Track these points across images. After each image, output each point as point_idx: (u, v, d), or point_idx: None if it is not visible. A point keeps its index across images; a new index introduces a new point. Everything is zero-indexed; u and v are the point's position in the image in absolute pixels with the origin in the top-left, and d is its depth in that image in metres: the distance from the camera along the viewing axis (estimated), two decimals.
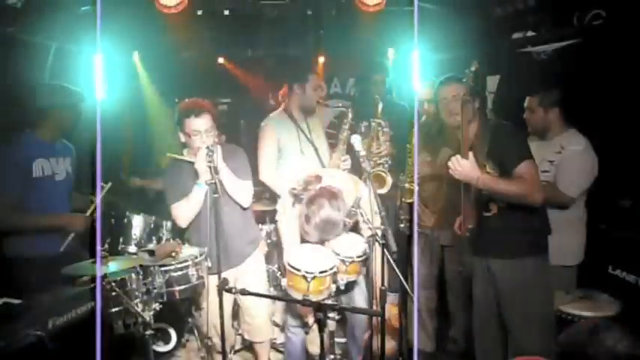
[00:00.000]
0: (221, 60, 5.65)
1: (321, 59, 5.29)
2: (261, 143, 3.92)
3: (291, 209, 3.30)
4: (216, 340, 3.39)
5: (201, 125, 3.21)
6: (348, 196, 3.09)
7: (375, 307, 2.89)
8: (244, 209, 3.46)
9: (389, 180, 3.96)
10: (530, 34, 4.11)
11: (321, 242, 3.13)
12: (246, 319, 3.64)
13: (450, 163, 2.82)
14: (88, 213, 3.44)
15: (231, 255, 3.40)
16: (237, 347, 4.08)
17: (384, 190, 3.94)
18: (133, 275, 2.97)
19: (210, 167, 3.03)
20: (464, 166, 2.76)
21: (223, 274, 2.98)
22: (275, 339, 4.06)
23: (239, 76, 5.74)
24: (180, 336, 4.23)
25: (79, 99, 3.45)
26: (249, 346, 3.97)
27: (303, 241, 3.20)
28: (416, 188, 3.41)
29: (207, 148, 3.05)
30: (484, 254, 3.06)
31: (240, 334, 4.01)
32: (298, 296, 2.94)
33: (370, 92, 4.49)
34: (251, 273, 3.52)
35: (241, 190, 3.38)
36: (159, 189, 4.39)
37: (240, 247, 3.48)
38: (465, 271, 3.25)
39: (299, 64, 4.98)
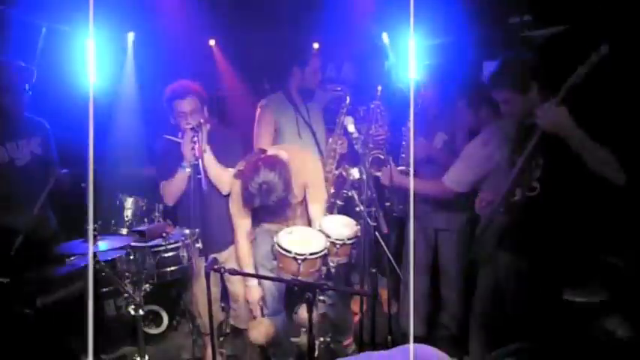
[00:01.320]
0: (212, 42, 5.59)
1: (316, 44, 5.24)
2: (258, 124, 3.89)
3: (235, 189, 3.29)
4: (204, 322, 3.40)
5: (185, 107, 3.23)
6: (303, 169, 3.15)
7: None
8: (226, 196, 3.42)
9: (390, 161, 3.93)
10: (527, 18, 4.08)
11: (275, 215, 3.17)
12: (232, 305, 3.65)
13: (537, 114, 2.53)
14: (35, 210, 3.09)
15: (215, 240, 3.41)
16: (227, 330, 4.08)
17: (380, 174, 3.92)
18: (124, 256, 2.97)
19: (193, 149, 3.03)
20: (555, 112, 2.46)
21: (211, 257, 2.98)
22: None
23: (233, 59, 5.69)
24: (171, 319, 4.22)
25: (28, 75, 3.24)
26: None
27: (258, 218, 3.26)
28: (411, 171, 3.38)
29: (192, 129, 3.06)
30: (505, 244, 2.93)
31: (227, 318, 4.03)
32: (288, 278, 2.94)
33: (368, 76, 4.46)
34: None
35: (222, 176, 3.35)
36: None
37: (224, 233, 3.46)
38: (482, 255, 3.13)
39: (294, 46, 4.93)
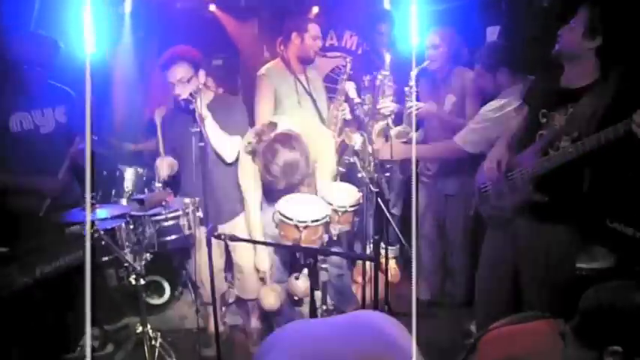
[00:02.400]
0: (212, 7, 5.47)
1: (315, 9, 5.14)
2: (258, 94, 3.82)
3: (247, 163, 3.22)
4: (207, 292, 3.39)
5: (173, 76, 3.14)
6: (313, 143, 3.05)
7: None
8: (229, 165, 3.36)
9: (393, 133, 3.87)
10: None
11: (292, 188, 3.07)
12: (237, 275, 3.63)
13: (637, 117, 2.23)
14: (60, 175, 3.23)
15: (220, 211, 3.38)
16: (231, 300, 4.08)
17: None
18: (123, 225, 2.93)
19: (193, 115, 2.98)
20: None
21: (210, 224, 2.94)
22: None
23: (232, 27, 5.58)
24: (173, 289, 4.22)
25: (55, 48, 3.25)
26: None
27: (273, 192, 3.17)
28: (414, 135, 3.32)
29: (190, 94, 3.00)
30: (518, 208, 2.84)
31: (232, 288, 4.02)
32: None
33: (373, 44, 4.36)
34: (242, 232, 3.41)
35: (225, 144, 3.27)
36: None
37: (229, 203, 3.43)
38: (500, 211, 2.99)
39: (294, 13, 4.84)
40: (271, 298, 3.20)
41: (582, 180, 2.58)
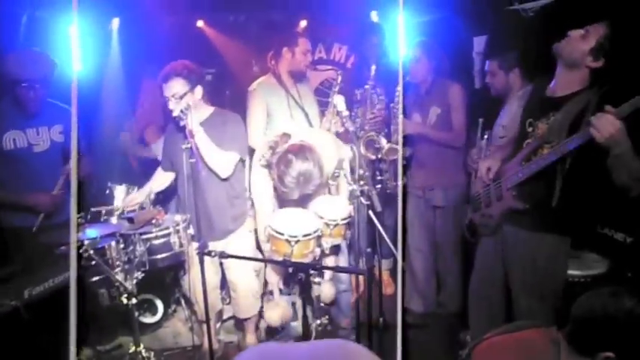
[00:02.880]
0: (200, 23, 5.48)
1: (303, 23, 5.16)
2: (250, 109, 3.82)
3: (260, 174, 3.22)
4: (200, 309, 3.36)
5: (170, 89, 3.16)
6: (328, 152, 3.04)
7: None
8: (224, 180, 3.35)
9: (383, 143, 3.87)
10: None
11: (304, 201, 3.06)
12: (232, 294, 3.62)
13: (594, 122, 2.29)
14: (55, 191, 3.25)
15: (212, 228, 3.37)
16: (225, 317, 4.05)
17: (375, 156, 3.88)
18: (113, 243, 2.92)
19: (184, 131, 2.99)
20: (615, 126, 2.24)
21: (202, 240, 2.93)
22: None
23: (221, 42, 5.58)
24: (167, 307, 4.18)
25: (52, 65, 3.27)
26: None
27: (285, 203, 3.15)
28: (400, 149, 3.34)
29: (181, 111, 3.00)
30: (508, 217, 2.86)
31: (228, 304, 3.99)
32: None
33: (362, 56, 4.38)
34: (235, 251, 3.36)
35: (219, 160, 3.27)
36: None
37: (222, 221, 3.42)
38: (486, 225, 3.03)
39: (283, 28, 4.85)
40: (273, 313, 3.19)
41: (568, 188, 2.58)
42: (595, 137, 2.30)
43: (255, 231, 3.44)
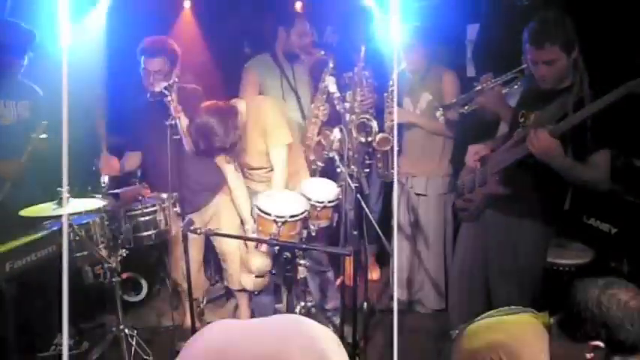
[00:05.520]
0: (187, 4, 5.40)
1: (299, 4, 5.09)
2: (243, 85, 3.79)
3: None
4: (184, 288, 3.35)
5: (152, 66, 3.15)
6: (260, 115, 3.18)
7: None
8: None
9: (374, 127, 3.84)
10: None
11: (212, 152, 3.13)
12: (223, 265, 3.61)
13: (530, 137, 2.47)
14: (23, 159, 3.12)
15: (194, 200, 3.37)
16: (215, 295, 4.06)
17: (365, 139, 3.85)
18: (97, 219, 2.89)
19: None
20: (548, 143, 2.42)
21: (188, 217, 2.91)
22: None
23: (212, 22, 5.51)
24: (151, 285, 4.16)
25: (31, 37, 3.17)
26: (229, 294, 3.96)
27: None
28: (395, 136, 3.31)
29: (165, 88, 2.98)
30: (491, 203, 2.90)
31: (213, 284, 3.99)
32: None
33: (352, 40, 4.34)
34: (220, 216, 3.45)
35: None
36: None
37: (203, 192, 3.43)
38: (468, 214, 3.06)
39: (276, 9, 4.80)
40: (259, 260, 3.06)
41: (551, 176, 2.60)
42: (532, 151, 2.48)
43: None
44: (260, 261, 2.97)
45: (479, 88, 3.09)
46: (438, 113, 3.37)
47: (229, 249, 3.47)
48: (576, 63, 2.54)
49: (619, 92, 2.32)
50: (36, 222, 2.73)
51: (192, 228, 2.39)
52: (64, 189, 2.60)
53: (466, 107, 3.17)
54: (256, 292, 3.22)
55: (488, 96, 3.03)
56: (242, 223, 3.40)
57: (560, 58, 2.50)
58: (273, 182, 3.26)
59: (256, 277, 2.98)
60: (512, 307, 2.06)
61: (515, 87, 3.06)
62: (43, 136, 3.15)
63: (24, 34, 3.14)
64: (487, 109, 3.09)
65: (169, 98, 2.97)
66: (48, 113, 3.28)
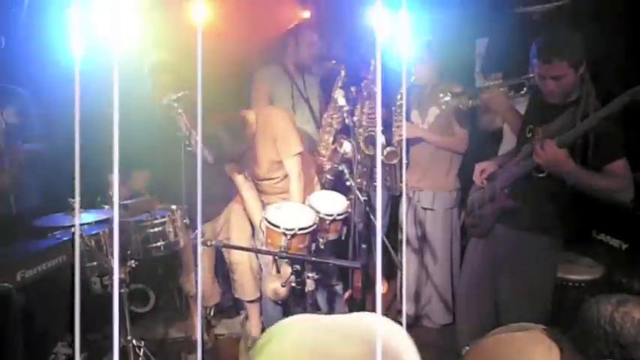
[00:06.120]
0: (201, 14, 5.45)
1: (306, 13, 5.14)
2: (253, 95, 3.83)
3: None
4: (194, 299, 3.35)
5: (163, 79, 3.21)
6: (269, 125, 3.23)
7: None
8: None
9: (382, 140, 3.84)
10: None
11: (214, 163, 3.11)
12: (233, 276, 3.60)
13: (536, 149, 2.47)
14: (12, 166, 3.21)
15: (204, 210, 3.33)
16: (223, 306, 4.06)
17: (376, 152, 3.85)
18: (107, 230, 2.89)
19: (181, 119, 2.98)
20: (555, 154, 2.42)
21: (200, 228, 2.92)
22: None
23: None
24: (158, 297, 4.16)
25: None
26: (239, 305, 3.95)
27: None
28: (404, 150, 3.31)
29: (175, 98, 2.99)
30: (501, 218, 2.88)
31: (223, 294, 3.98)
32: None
33: (360, 53, 4.36)
34: (231, 226, 3.46)
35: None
36: None
37: (213, 200, 3.44)
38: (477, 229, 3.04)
39: (286, 20, 4.84)
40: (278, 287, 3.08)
41: (560, 190, 2.60)
42: (539, 163, 2.48)
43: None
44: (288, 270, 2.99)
45: (486, 85, 3.09)
46: (446, 98, 3.22)
47: (239, 259, 3.46)
48: (583, 77, 2.54)
49: (622, 100, 2.31)
50: (47, 231, 2.75)
51: (202, 240, 2.39)
52: (76, 200, 2.63)
53: (471, 101, 3.15)
54: (279, 302, 3.23)
55: (493, 95, 3.01)
56: (253, 233, 3.40)
57: (567, 73, 2.49)
58: (290, 192, 3.27)
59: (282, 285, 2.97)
60: (523, 323, 2.04)
61: (522, 93, 3.04)
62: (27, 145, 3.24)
63: None
64: (491, 108, 3.07)
65: (179, 110, 2.98)
66: (40, 116, 3.35)
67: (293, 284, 2.90)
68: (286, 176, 3.31)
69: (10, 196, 3.18)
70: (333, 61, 3.90)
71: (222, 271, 3.83)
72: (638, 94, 2.29)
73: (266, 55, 4.62)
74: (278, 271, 3.22)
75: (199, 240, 2.53)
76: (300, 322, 1.34)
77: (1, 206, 3.19)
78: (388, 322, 1.33)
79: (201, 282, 2.64)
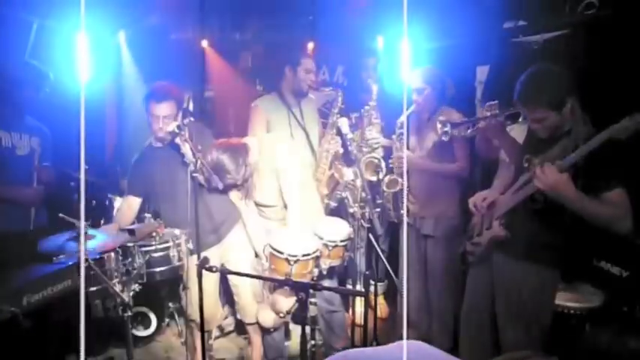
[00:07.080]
0: (205, 43, 5.54)
1: (310, 45, 5.22)
2: (251, 124, 3.87)
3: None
4: (197, 323, 3.35)
5: (160, 111, 3.22)
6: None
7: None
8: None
9: (383, 166, 3.89)
10: (521, 23, 4.07)
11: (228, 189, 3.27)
12: (235, 299, 3.62)
13: (537, 174, 2.44)
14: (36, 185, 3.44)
15: (208, 235, 3.39)
16: (228, 329, 4.08)
17: (376, 178, 3.89)
18: (112, 255, 2.91)
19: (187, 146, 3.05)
20: (556, 177, 2.38)
21: (204, 253, 2.93)
22: None
23: (222, 61, 5.64)
24: (160, 320, 4.16)
25: (46, 80, 3.42)
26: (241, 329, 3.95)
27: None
28: (405, 177, 3.35)
29: (177, 127, 3.04)
30: (499, 246, 2.89)
31: (226, 317, 3.99)
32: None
33: (361, 80, 4.44)
34: (235, 250, 3.48)
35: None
36: None
37: (216, 226, 3.46)
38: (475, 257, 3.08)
39: (288, 49, 4.91)
40: (285, 300, 3.06)
41: (558, 218, 2.61)
42: (539, 187, 2.44)
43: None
44: (287, 301, 2.99)
45: (482, 115, 3.11)
46: (446, 129, 3.23)
47: (242, 282, 3.48)
48: (573, 109, 2.51)
49: (600, 138, 2.31)
50: (52, 254, 2.77)
51: (207, 266, 2.41)
52: (82, 224, 2.66)
53: (469, 131, 3.18)
54: (272, 330, 3.23)
55: (489, 123, 2.99)
56: (256, 256, 3.42)
57: (548, 116, 2.50)
58: (287, 221, 3.29)
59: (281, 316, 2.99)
60: (521, 351, 2.05)
61: (520, 120, 3.05)
62: (45, 164, 3.49)
63: (42, 76, 3.42)
64: (487, 136, 3.08)
65: (184, 137, 3.03)
66: (54, 147, 3.58)
67: (286, 320, 2.95)
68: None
69: (31, 210, 3.41)
70: (330, 88, 3.96)
71: (225, 293, 3.84)
72: (616, 132, 2.30)
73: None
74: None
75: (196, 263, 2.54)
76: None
77: (23, 220, 3.40)
78: (429, 348, 1.35)
79: (203, 307, 2.64)
